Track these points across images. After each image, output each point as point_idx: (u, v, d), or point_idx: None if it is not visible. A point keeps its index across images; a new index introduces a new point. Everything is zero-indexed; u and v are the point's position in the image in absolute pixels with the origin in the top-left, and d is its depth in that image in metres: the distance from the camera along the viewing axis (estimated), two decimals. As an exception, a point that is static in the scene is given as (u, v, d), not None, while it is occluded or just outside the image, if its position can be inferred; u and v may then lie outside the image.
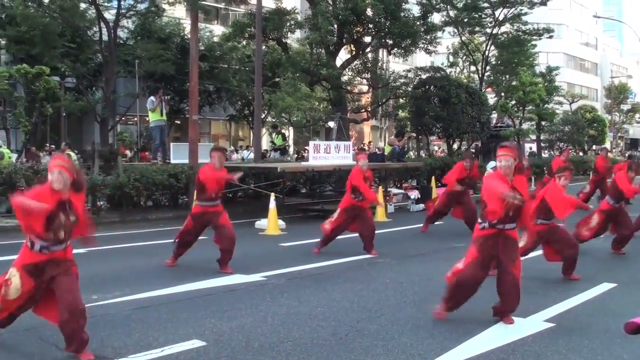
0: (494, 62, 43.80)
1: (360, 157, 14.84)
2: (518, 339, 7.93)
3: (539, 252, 11.62)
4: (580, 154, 55.01)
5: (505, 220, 8.47)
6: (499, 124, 42.86)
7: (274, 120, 41.20)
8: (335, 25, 30.55)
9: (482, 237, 8.61)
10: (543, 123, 46.92)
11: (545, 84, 45.98)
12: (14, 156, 26.70)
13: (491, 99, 45.55)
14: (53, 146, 31.82)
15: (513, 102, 44.45)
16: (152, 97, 24.47)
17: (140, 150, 37.95)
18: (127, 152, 36.07)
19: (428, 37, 33.44)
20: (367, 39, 33.20)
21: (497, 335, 7.90)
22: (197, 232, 12.67)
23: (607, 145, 63.94)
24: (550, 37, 43.66)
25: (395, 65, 48.19)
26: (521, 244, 9.75)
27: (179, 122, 40.97)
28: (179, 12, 36.44)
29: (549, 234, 11.42)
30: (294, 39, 37.95)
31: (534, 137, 50.33)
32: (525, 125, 45.84)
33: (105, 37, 30.13)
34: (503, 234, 8.54)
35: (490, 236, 8.58)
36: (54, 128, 35.99)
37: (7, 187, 17.93)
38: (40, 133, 34.11)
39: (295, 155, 39.92)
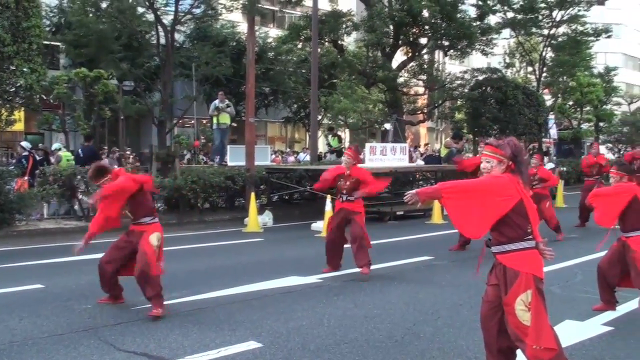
0: (550, 63, 43.38)
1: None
2: (576, 342, 7.83)
3: (598, 255, 10.98)
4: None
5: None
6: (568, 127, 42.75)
7: (330, 122, 41.25)
8: (391, 27, 30.60)
9: None
10: (601, 124, 46.38)
11: (604, 85, 45.46)
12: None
13: (548, 100, 45.14)
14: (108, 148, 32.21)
15: (570, 103, 44.04)
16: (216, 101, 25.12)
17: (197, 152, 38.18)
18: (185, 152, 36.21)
19: (484, 38, 33.31)
20: (423, 41, 33.16)
21: (555, 339, 7.80)
22: None
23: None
24: (609, 37, 43.05)
25: (452, 66, 48.01)
26: None
27: (235, 124, 41.36)
28: (235, 15, 36.67)
29: None
30: (350, 41, 37.99)
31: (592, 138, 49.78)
32: (583, 126, 45.39)
33: (162, 41, 30.51)
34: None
35: None
36: (112, 131, 36.44)
37: (67, 189, 18.20)
38: (99, 136, 34.56)
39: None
